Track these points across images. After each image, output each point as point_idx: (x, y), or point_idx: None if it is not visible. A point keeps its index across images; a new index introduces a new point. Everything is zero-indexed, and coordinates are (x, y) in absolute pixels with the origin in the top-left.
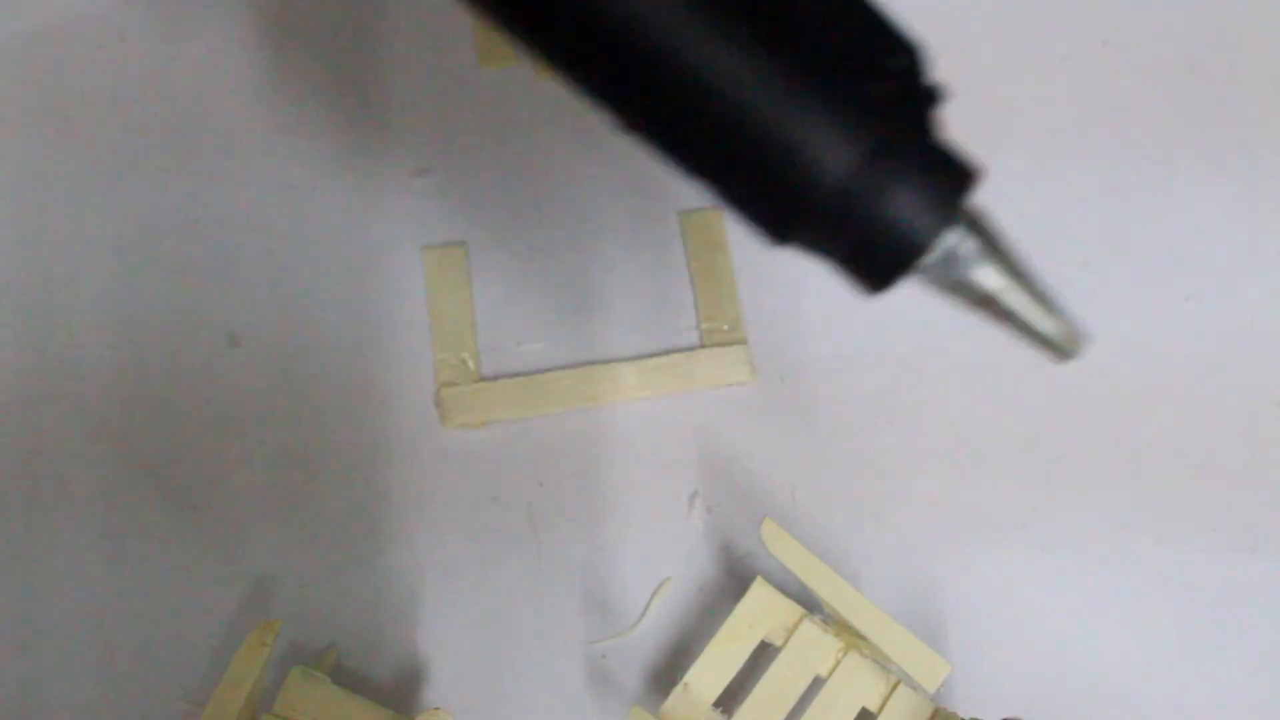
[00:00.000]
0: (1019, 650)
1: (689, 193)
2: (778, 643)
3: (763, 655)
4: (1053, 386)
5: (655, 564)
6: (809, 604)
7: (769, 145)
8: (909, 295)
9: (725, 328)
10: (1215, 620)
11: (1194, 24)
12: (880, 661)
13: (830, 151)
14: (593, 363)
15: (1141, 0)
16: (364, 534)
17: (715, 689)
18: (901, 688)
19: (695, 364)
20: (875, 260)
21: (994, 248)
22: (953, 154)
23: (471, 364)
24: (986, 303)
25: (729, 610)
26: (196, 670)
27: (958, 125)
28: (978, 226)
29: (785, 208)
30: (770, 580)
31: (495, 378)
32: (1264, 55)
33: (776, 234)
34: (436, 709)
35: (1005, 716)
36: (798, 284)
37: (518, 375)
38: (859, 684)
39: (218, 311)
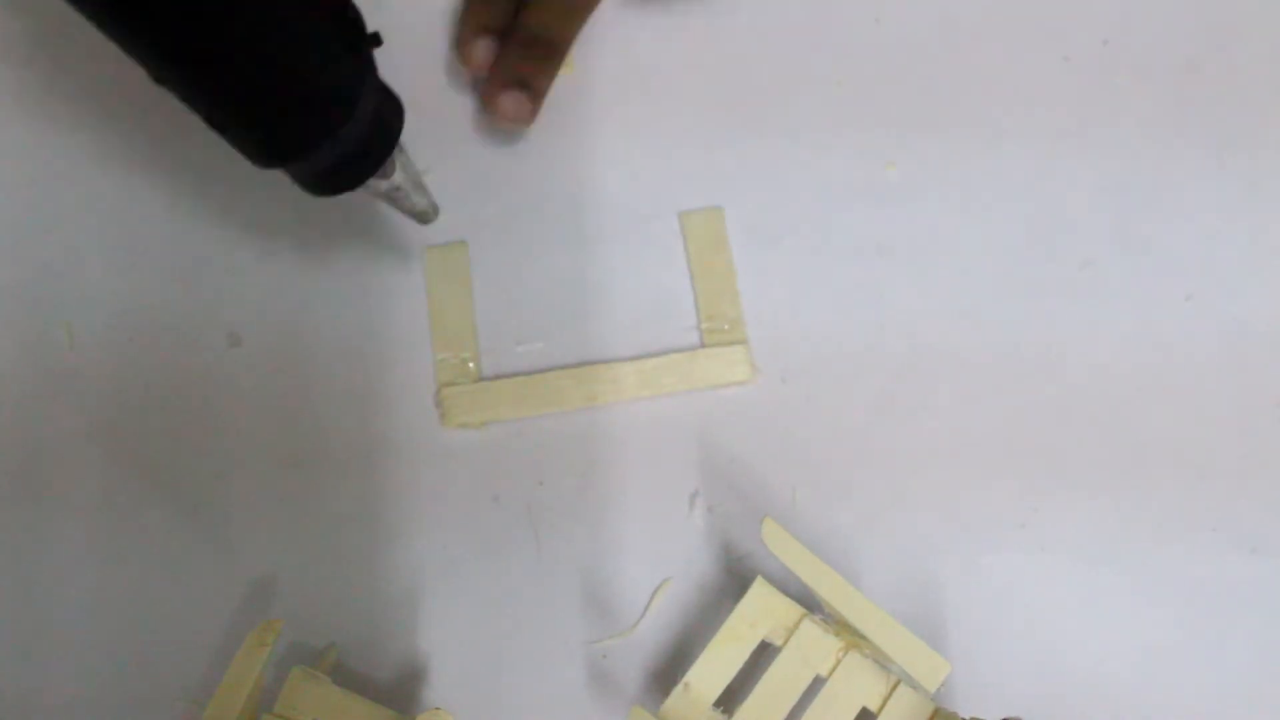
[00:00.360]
0: (1019, 650)
1: (689, 193)
2: (778, 642)
3: (763, 655)
4: (1053, 386)
5: (655, 564)
6: (809, 604)
7: (308, 102)
8: (909, 296)
9: (725, 328)
10: (1215, 620)
11: (1194, 24)
12: (881, 661)
13: (329, 119)
14: (593, 363)
15: (1141, 0)
16: (364, 534)
17: (716, 689)
18: (902, 687)
19: (695, 364)
20: (342, 180)
21: (405, 164)
22: (396, 104)
23: (471, 364)
24: (391, 198)
25: (729, 610)
26: (196, 670)
27: (960, 125)
28: (398, 154)
29: (288, 152)
30: (770, 580)
31: (495, 378)
32: (1264, 55)
33: (267, 165)
34: (436, 709)
35: (1005, 716)
36: (798, 284)
37: (518, 375)
38: (859, 684)
39: (218, 311)
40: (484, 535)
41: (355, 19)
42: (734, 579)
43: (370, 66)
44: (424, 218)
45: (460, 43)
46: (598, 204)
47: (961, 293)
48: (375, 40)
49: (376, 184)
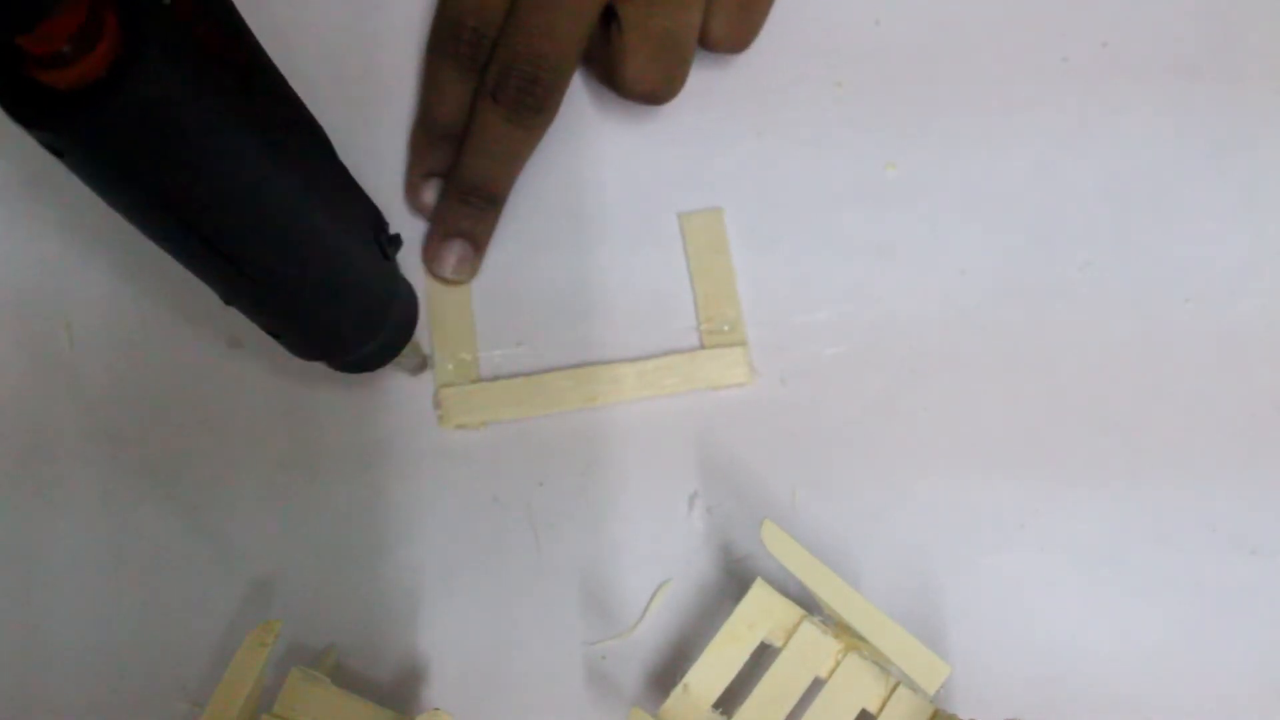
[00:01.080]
0: (1019, 650)
1: (689, 193)
2: (777, 644)
3: (762, 656)
4: (1052, 387)
5: (655, 564)
6: (809, 605)
7: (337, 332)
8: (909, 296)
9: (725, 328)
10: (1215, 620)
11: (1193, 25)
12: (880, 663)
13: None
14: (593, 363)
15: (1141, 1)
16: (364, 534)
17: (715, 690)
18: (901, 689)
19: (695, 365)
20: (370, 363)
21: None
22: (413, 294)
23: (472, 365)
24: (402, 365)
25: (729, 611)
26: (196, 670)
27: (960, 125)
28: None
29: (346, 348)
30: (770, 581)
31: (495, 378)
32: (1264, 56)
33: (318, 360)
34: (436, 709)
35: (1005, 717)
36: (798, 285)
37: (518, 375)
38: (859, 685)
39: (218, 313)
40: (484, 536)
41: (384, 227)
42: (733, 580)
43: (396, 268)
44: (415, 371)
45: (409, 188)
46: (598, 204)
47: (961, 293)
48: (398, 243)
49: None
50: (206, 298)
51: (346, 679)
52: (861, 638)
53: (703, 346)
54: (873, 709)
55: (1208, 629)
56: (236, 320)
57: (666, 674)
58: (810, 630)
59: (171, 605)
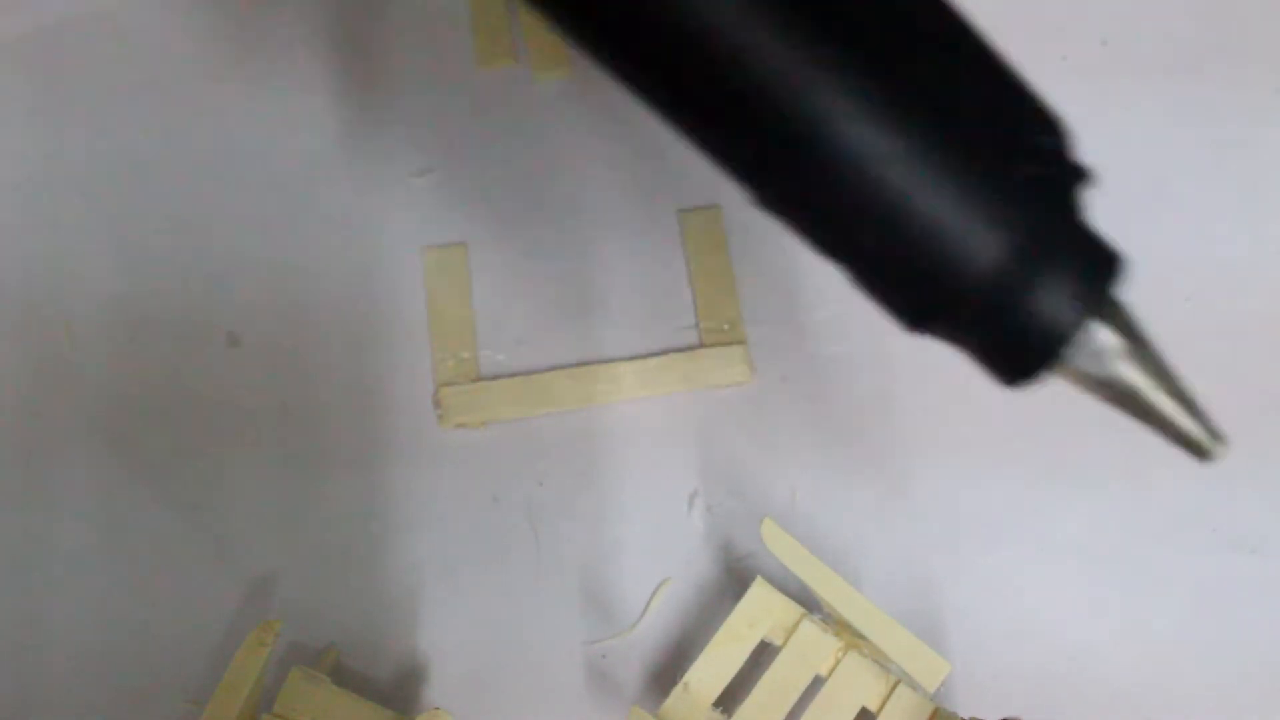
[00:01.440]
0: (1019, 650)
1: (689, 192)
2: (777, 642)
3: (762, 655)
4: (1053, 386)
5: (655, 564)
6: (809, 604)
7: (914, 230)
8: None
9: (725, 328)
10: (1215, 620)
11: (1193, 24)
12: (880, 661)
13: (980, 240)
14: (593, 363)
15: (1141, 0)
16: (364, 534)
17: (715, 689)
18: (901, 688)
19: (695, 364)
20: (1018, 353)
21: (1137, 343)
22: (1099, 240)
23: (471, 364)
24: (1128, 399)
25: (729, 610)
26: (196, 670)
27: None
28: (1121, 320)
29: (927, 296)
30: (770, 580)
31: (495, 378)
32: (1264, 56)
33: (915, 322)
34: (436, 709)
35: (1005, 717)
36: (798, 284)
37: (518, 375)
38: (859, 684)
39: (218, 311)
40: (484, 535)
41: (1049, 145)
42: (734, 579)
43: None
44: (1197, 449)
45: None
46: (597, 204)
47: None
48: (1076, 174)
49: (1088, 370)
50: (206, 297)
51: (346, 679)
52: (862, 636)
53: (702, 345)
54: (873, 707)
55: (1208, 628)
56: (236, 319)
57: (666, 673)
58: (810, 629)
59: (171, 605)
